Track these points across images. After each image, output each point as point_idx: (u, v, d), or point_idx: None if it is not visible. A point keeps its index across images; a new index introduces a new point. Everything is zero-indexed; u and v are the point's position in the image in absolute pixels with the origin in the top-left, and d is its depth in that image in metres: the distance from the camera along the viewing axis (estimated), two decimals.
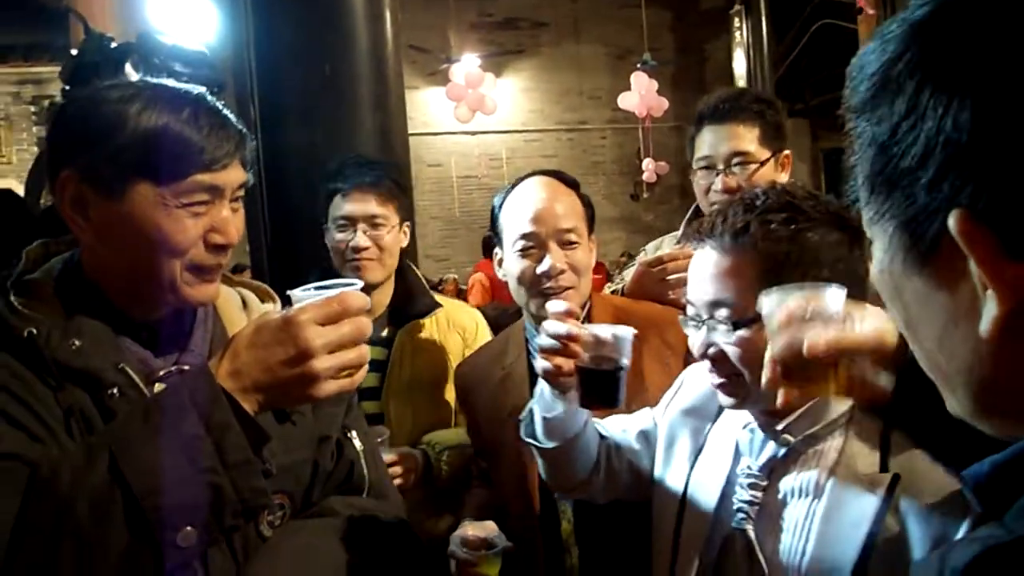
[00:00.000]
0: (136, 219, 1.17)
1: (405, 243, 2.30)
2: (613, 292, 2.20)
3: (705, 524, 1.36)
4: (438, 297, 2.39)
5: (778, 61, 12.38)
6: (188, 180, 1.18)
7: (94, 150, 1.17)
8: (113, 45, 2.01)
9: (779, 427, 1.28)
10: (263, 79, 3.24)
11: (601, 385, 1.42)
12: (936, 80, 0.52)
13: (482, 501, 1.97)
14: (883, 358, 0.98)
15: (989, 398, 0.57)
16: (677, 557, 1.39)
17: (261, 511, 1.21)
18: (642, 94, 10.80)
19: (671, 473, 1.48)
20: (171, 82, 1.29)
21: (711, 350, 1.31)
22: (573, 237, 1.83)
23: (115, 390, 1.17)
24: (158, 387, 1.22)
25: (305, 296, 1.15)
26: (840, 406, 1.27)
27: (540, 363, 1.43)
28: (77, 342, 1.16)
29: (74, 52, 2.04)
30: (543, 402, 1.48)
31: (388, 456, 1.98)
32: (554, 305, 1.45)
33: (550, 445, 1.51)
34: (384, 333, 2.27)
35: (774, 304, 1.07)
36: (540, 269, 1.80)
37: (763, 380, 1.06)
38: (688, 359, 1.60)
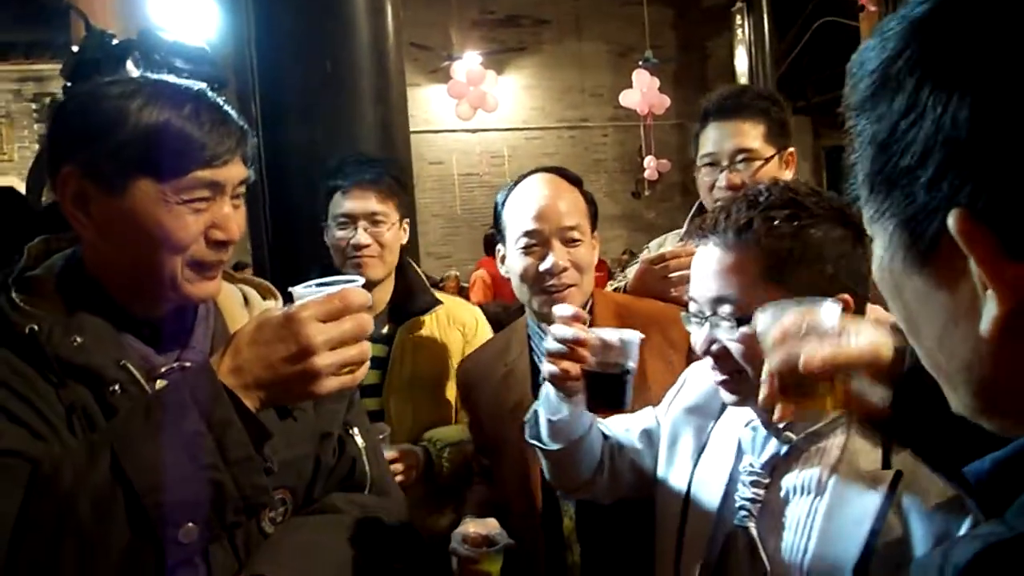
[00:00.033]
0: (137, 215, 1.17)
1: (405, 240, 2.30)
2: (615, 290, 2.20)
3: (709, 522, 1.36)
4: (438, 294, 2.39)
5: (780, 58, 12.37)
6: (189, 176, 1.18)
7: (95, 146, 1.16)
8: (114, 42, 2.01)
9: (781, 425, 1.28)
10: (264, 75, 3.24)
11: (608, 389, 1.42)
12: (935, 77, 0.52)
13: (483, 498, 1.97)
14: (879, 372, 0.98)
15: (990, 397, 0.57)
16: (681, 556, 1.39)
17: (263, 508, 1.21)
18: (644, 91, 10.79)
19: (674, 472, 1.48)
20: (172, 78, 1.28)
21: (714, 347, 1.31)
22: (576, 235, 1.83)
23: (117, 387, 1.17)
24: (160, 384, 1.22)
25: (306, 293, 1.15)
26: None
27: (547, 367, 1.43)
28: (79, 339, 1.16)
29: (75, 49, 2.03)
30: (548, 405, 1.48)
31: (389, 453, 1.98)
32: (560, 309, 1.45)
33: (555, 447, 1.50)
34: (384, 330, 2.27)
35: (769, 320, 1.08)
36: (543, 267, 1.80)
37: (760, 396, 1.06)
38: (691, 356, 1.60)
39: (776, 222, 1.24)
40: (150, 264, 1.20)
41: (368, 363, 1.18)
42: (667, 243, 2.37)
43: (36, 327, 1.15)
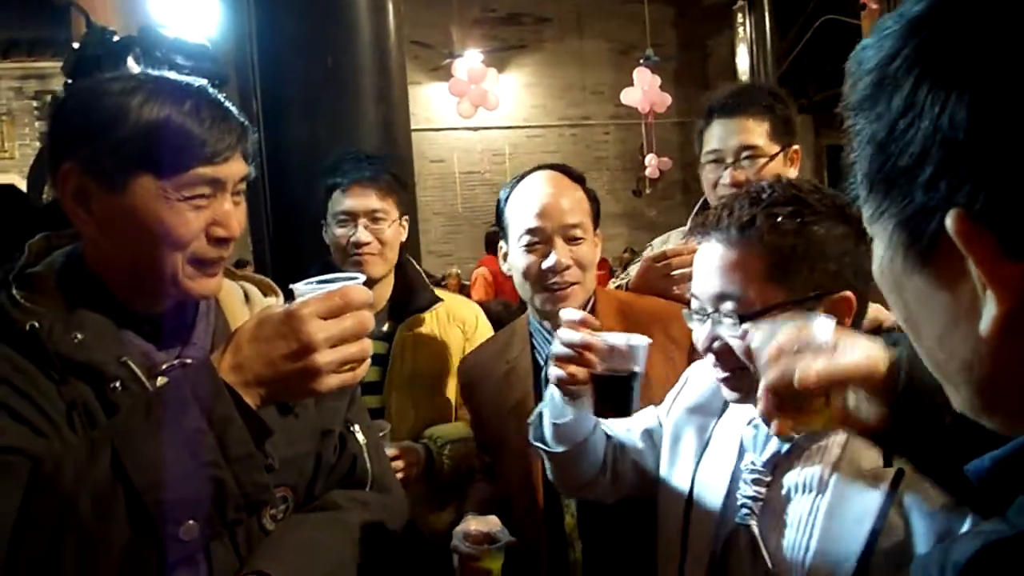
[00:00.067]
0: (138, 212, 1.17)
1: (404, 237, 2.30)
2: (618, 288, 2.20)
3: (712, 521, 1.36)
4: (438, 291, 2.39)
5: (781, 57, 12.37)
6: (190, 173, 1.18)
7: (96, 142, 1.16)
8: (115, 39, 2.00)
9: None
10: (265, 72, 3.24)
11: (615, 393, 1.42)
12: (933, 77, 0.52)
13: (485, 495, 1.97)
14: (875, 385, 0.98)
15: (990, 395, 0.57)
16: (686, 555, 1.39)
17: (264, 505, 1.21)
18: (645, 90, 10.80)
19: (677, 471, 1.48)
20: (173, 75, 1.28)
21: (716, 344, 1.30)
22: (579, 232, 1.82)
23: (117, 384, 1.17)
24: (160, 381, 1.22)
25: (307, 290, 1.15)
26: None
27: (553, 371, 1.42)
28: (79, 335, 1.16)
29: (76, 45, 2.03)
30: (553, 408, 1.48)
31: (390, 450, 1.98)
32: (568, 313, 1.44)
33: (559, 449, 1.50)
34: (385, 327, 2.27)
35: (764, 337, 1.08)
36: (545, 264, 1.79)
37: (757, 412, 1.06)
38: (692, 354, 1.59)
39: (779, 219, 1.24)
40: (151, 261, 1.20)
41: (369, 360, 1.18)
42: (671, 241, 2.37)
43: (37, 324, 1.15)
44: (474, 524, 1.73)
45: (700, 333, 1.33)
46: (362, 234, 2.17)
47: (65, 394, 1.14)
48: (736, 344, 1.27)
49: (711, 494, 1.38)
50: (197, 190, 1.19)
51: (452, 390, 2.30)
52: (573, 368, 1.40)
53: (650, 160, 11.83)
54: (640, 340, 1.40)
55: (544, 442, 1.53)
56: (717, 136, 2.13)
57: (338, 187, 2.22)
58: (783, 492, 1.28)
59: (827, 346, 1.01)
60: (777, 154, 2.09)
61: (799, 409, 1.03)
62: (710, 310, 1.30)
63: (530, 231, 1.81)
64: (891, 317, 1.29)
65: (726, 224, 1.27)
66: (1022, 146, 0.48)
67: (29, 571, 1.03)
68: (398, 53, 3.40)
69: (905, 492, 1.15)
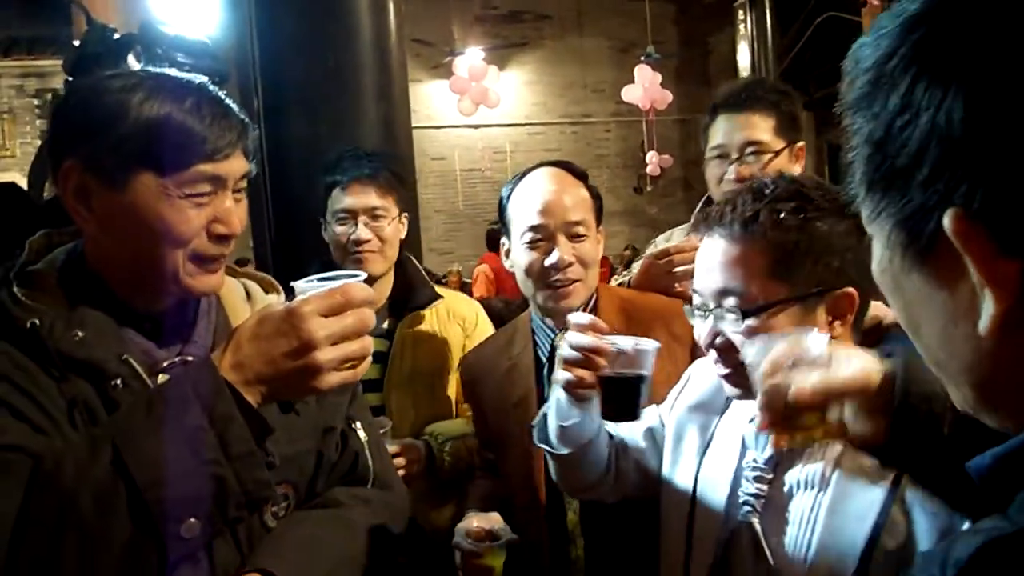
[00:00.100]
0: (139, 209, 1.17)
1: (403, 234, 2.30)
2: (620, 285, 2.19)
3: (717, 519, 1.35)
4: (438, 288, 2.39)
5: (782, 54, 12.34)
6: (191, 170, 1.17)
7: (96, 140, 1.16)
8: (115, 36, 2.00)
9: None
10: (266, 70, 3.24)
11: (623, 397, 1.42)
12: (930, 75, 0.52)
13: (486, 492, 1.97)
14: (870, 398, 0.99)
15: (991, 393, 0.57)
16: (691, 553, 1.38)
17: (264, 503, 1.21)
18: (646, 87, 10.79)
19: (680, 470, 1.48)
20: (173, 72, 1.28)
21: (718, 340, 1.30)
22: (581, 230, 1.82)
23: (118, 381, 1.17)
24: (161, 378, 1.22)
25: (308, 287, 1.15)
26: None
27: (562, 374, 1.42)
28: (80, 333, 1.16)
29: (76, 43, 2.03)
30: (559, 410, 1.48)
31: (391, 447, 1.98)
32: (577, 317, 1.44)
33: (565, 451, 1.50)
34: (385, 325, 2.27)
35: (758, 353, 1.09)
36: (548, 261, 1.79)
37: (754, 427, 1.07)
38: (695, 351, 1.59)
39: (782, 215, 1.23)
40: (151, 258, 1.20)
41: (370, 358, 1.18)
42: (674, 238, 2.36)
43: (37, 321, 1.14)
44: (476, 521, 1.73)
45: (702, 329, 1.33)
46: (362, 232, 2.17)
47: (66, 392, 1.14)
48: (738, 340, 1.26)
49: (715, 492, 1.38)
50: (198, 187, 1.19)
51: (452, 387, 2.30)
52: (582, 371, 1.40)
53: (651, 157, 11.83)
54: (648, 344, 1.40)
55: (549, 444, 1.53)
56: (722, 131, 2.12)
57: (337, 185, 2.22)
58: (785, 489, 1.28)
59: (821, 360, 1.02)
60: (783, 150, 2.08)
61: (795, 425, 1.04)
62: (712, 306, 1.30)
63: (533, 228, 1.81)
64: (891, 314, 1.29)
65: (729, 219, 1.27)
66: (1019, 144, 0.48)
67: (30, 569, 1.03)
68: (399, 51, 3.40)
69: (907, 488, 1.15)
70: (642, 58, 11.09)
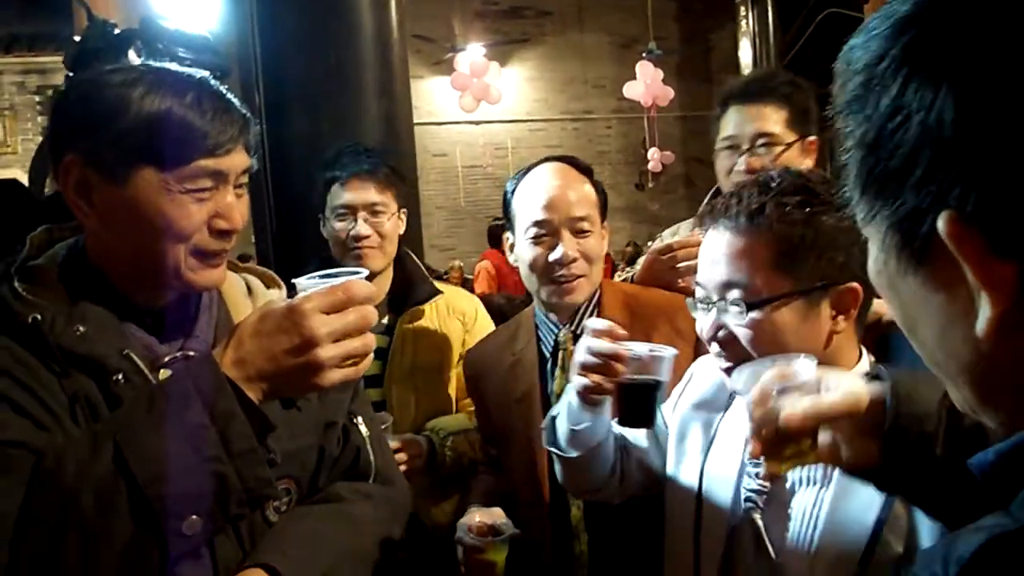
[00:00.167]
0: (140, 204, 1.17)
1: (402, 230, 2.30)
2: (624, 281, 2.19)
3: (724, 516, 1.35)
4: (437, 284, 2.39)
5: (784, 50, 12.32)
6: (192, 165, 1.17)
7: (97, 134, 1.16)
8: (116, 31, 2.00)
9: None
10: (268, 66, 3.24)
11: (639, 403, 1.42)
12: (921, 76, 0.52)
13: (489, 488, 1.97)
14: (861, 420, 0.99)
15: (990, 393, 0.57)
16: (700, 550, 1.38)
17: (266, 500, 1.21)
18: (647, 83, 10.78)
19: (684, 468, 1.47)
20: (174, 66, 1.28)
21: (721, 333, 1.30)
22: (586, 225, 1.82)
23: (120, 376, 1.16)
24: (163, 373, 1.22)
25: (310, 285, 1.14)
26: None
27: (578, 379, 1.41)
28: (81, 328, 1.16)
29: (77, 38, 2.03)
30: (571, 414, 1.47)
31: (392, 443, 1.98)
32: (595, 322, 1.43)
33: (574, 454, 1.50)
34: (384, 321, 2.27)
35: (747, 380, 1.10)
36: (552, 257, 1.79)
37: (741, 466, 1.07)
38: (698, 347, 1.59)
39: (788, 208, 1.23)
40: (153, 253, 1.19)
41: (371, 355, 1.17)
42: (680, 232, 2.34)
43: (39, 316, 1.14)
44: (478, 516, 1.73)
45: (704, 322, 1.32)
46: (362, 227, 2.17)
47: (67, 387, 1.14)
48: (742, 333, 1.26)
49: (720, 489, 1.37)
50: (199, 182, 1.18)
51: (453, 382, 2.30)
52: (598, 377, 1.39)
53: (652, 154, 11.81)
54: (665, 351, 1.40)
55: (558, 447, 1.53)
56: (733, 122, 2.10)
57: (337, 180, 2.22)
58: (788, 485, 1.28)
59: (810, 385, 1.02)
60: (794, 143, 2.06)
61: (787, 450, 1.04)
62: (715, 298, 1.30)
63: (537, 223, 1.81)
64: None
65: (735, 212, 1.27)
66: (1011, 144, 0.48)
67: (32, 567, 1.03)
68: (400, 47, 3.40)
69: None
70: (643, 54, 11.07)
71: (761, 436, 1.04)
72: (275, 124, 3.13)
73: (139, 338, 1.23)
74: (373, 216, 2.19)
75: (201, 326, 1.31)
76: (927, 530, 1.12)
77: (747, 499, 1.31)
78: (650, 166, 11.99)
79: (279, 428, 1.16)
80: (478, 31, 12.12)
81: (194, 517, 1.06)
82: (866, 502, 1.17)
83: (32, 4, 8.35)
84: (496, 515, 1.73)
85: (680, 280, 1.95)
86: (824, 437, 1.02)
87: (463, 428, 2.20)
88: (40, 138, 10.16)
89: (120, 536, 1.03)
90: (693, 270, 1.42)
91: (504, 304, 3.40)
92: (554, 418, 1.54)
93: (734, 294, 1.26)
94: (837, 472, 1.22)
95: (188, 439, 1.05)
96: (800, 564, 1.23)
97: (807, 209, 1.23)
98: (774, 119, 2.06)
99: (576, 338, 1.82)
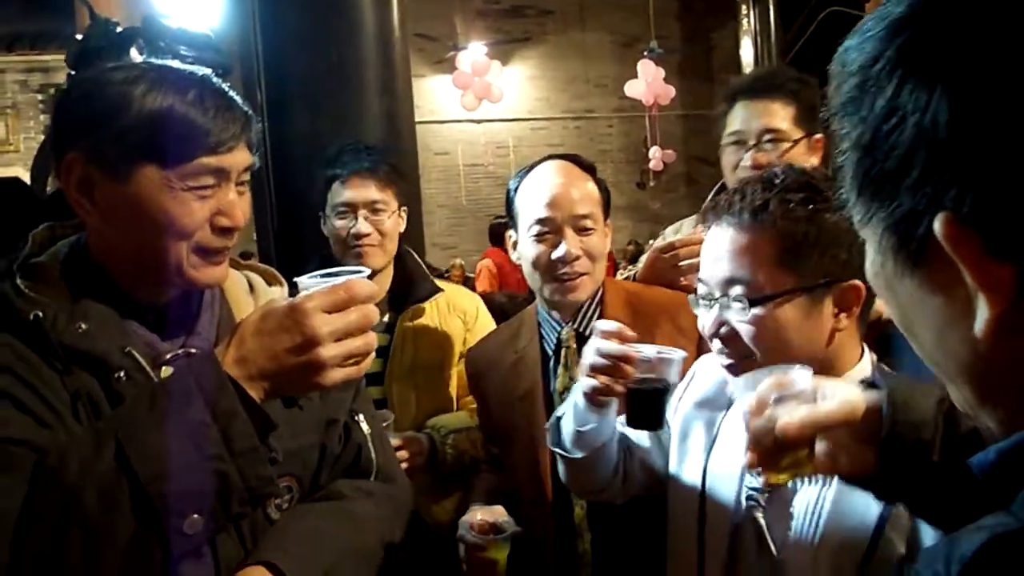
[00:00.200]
0: (142, 202, 1.16)
1: (403, 228, 2.30)
2: (626, 279, 2.19)
3: (728, 515, 1.35)
4: (438, 282, 2.39)
5: (786, 49, 12.31)
6: (194, 163, 1.17)
7: (99, 132, 1.15)
8: (118, 29, 2.00)
9: None
10: (269, 64, 3.24)
11: (647, 406, 1.42)
12: (916, 78, 0.52)
13: (491, 486, 1.97)
14: (857, 429, 0.99)
15: (989, 393, 0.57)
16: (704, 549, 1.38)
17: (268, 498, 1.21)
18: (649, 82, 10.78)
19: (687, 467, 1.47)
20: (176, 64, 1.27)
21: (723, 329, 1.29)
22: (589, 223, 1.82)
23: (122, 373, 1.16)
24: (165, 371, 1.22)
25: (312, 284, 1.14)
26: None
27: (587, 381, 1.41)
28: (83, 325, 1.16)
29: (79, 37, 2.03)
30: (577, 415, 1.47)
31: (394, 440, 1.98)
32: (604, 324, 1.43)
33: (579, 455, 1.50)
34: (385, 318, 2.27)
35: (743, 390, 1.10)
36: (555, 255, 1.79)
37: (745, 463, 1.08)
38: (701, 345, 1.59)
39: (792, 205, 1.23)
40: (155, 250, 1.19)
41: (373, 354, 1.17)
42: (683, 230, 2.33)
43: (41, 313, 1.14)
44: (480, 514, 1.73)
45: (707, 319, 1.32)
46: (362, 225, 2.17)
47: (69, 384, 1.14)
48: (744, 330, 1.26)
49: (723, 487, 1.37)
50: (201, 180, 1.18)
51: (454, 380, 2.30)
52: (607, 379, 1.39)
53: (654, 153, 11.81)
54: (674, 353, 1.40)
55: (563, 448, 1.52)
56: (740, 118, 2.09)
57: (337, 178, 2.22)
58: (789, 483, 1.28)
59: (806, 395, 1.03)
60: (800, 140, 2.05)
61: (785, 459, 1.05)
62: (718, 295, 1.29)
63: (540, 221, 1.81)
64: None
65: (738, 208, 1.26)
66: (1006, 145, 0.48)
67: (34, 565, 1.02)
68: (402, 46, 3.40)
69: None
70: (645, 53, 11.06)
71: (758, 446, 1.04)
72: (277, 122, 3.13)
73: (141, 335, 1.23)
74: (374, 214, 2.19)
75: (203, 324, 1.31)
76: (929, 529, 1.12)
77: (749, 497, 1.31)
78: (651, 165, 11.99)
79: (280, 426, 1.15)
80: (480, 30, 12.12)
81: (196, 516, 1.06)
82: (868, 501, 1.17)
83: (35, 3, 8.35)
84: (498, 513, 1.73)
85: (682, 278, 1.95)
86: (821, 446, 1.02)
87: (464, 426, 2.20)
88: (42, 137, 10.15)
89: (123, 534, 1.03)
90: (695, 268, 1.42)
91: (506, 302, 3.40)
92: (559, 418, 1.54)
93: (737, 290, 1.26)
94: None
95: (190, 437, 1.05)
96: (802, 562, 1.23)
97: (811, 206, 1.23)
98: (781, 115, 2.05)
99: (579, 336, 1.82)
